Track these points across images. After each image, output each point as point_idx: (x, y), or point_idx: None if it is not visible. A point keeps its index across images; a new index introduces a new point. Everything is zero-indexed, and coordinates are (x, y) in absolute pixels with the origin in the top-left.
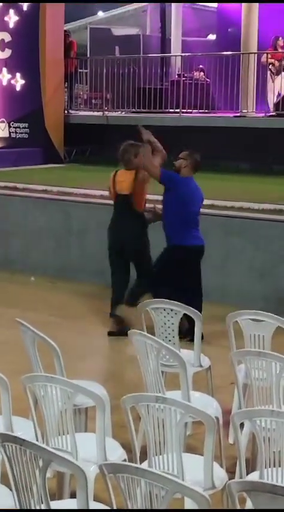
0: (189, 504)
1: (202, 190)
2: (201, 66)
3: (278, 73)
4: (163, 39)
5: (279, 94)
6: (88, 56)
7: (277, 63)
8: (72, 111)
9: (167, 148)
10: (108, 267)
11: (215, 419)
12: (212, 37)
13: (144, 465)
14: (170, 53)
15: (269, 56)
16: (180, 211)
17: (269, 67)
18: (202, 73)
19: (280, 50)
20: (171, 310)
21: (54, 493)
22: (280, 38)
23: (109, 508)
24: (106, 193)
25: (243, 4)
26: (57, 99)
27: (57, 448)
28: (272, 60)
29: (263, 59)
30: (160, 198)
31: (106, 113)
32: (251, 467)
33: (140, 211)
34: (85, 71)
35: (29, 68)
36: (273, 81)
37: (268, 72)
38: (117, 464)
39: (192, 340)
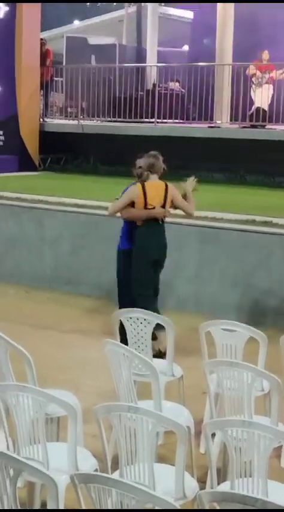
0: None
1: None
2: (178, 78)
3: (260, 85)
4: (138, 49)
5: (258, 108)
6: (64, 64)
7: (259, 75)
8: (48, 119)
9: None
10: (80, 275)
11: (187, 429)
12: (187, 48)
13: (116, 475)
14: (145, 62)
15: (252, 67)
16: None
17: (252, 78)
18: (177, 83)
19: (264, 63)
20: (144, 319)
21: (24, 502)
22: (266, 51)
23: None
24: (80, 201)
25: (218, 16)
26: (32, 107)
27: (29, 458)
28: (255, 71)
29: (248, 70)
30: None
31: (81, 121)
32: (222, 477)
33: None
34: (61, 79)
35: (4, 75)
36: (254, 92)
37: (251, 83)
38: (88, 474)
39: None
